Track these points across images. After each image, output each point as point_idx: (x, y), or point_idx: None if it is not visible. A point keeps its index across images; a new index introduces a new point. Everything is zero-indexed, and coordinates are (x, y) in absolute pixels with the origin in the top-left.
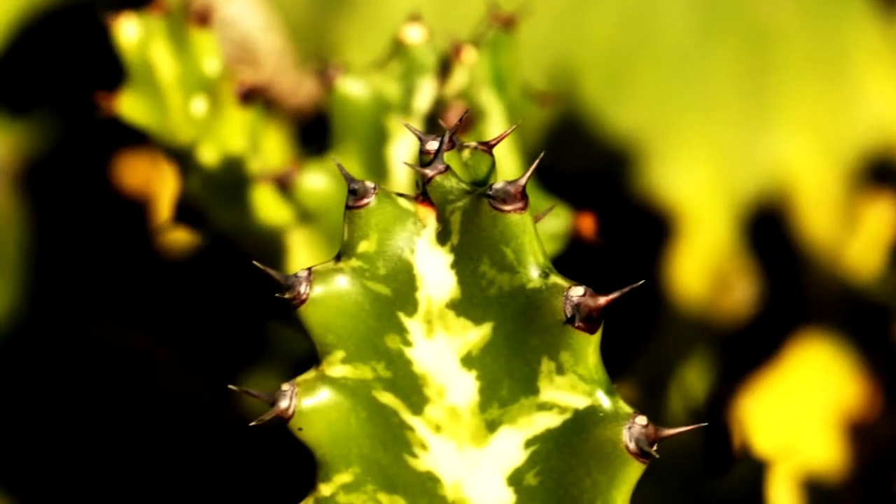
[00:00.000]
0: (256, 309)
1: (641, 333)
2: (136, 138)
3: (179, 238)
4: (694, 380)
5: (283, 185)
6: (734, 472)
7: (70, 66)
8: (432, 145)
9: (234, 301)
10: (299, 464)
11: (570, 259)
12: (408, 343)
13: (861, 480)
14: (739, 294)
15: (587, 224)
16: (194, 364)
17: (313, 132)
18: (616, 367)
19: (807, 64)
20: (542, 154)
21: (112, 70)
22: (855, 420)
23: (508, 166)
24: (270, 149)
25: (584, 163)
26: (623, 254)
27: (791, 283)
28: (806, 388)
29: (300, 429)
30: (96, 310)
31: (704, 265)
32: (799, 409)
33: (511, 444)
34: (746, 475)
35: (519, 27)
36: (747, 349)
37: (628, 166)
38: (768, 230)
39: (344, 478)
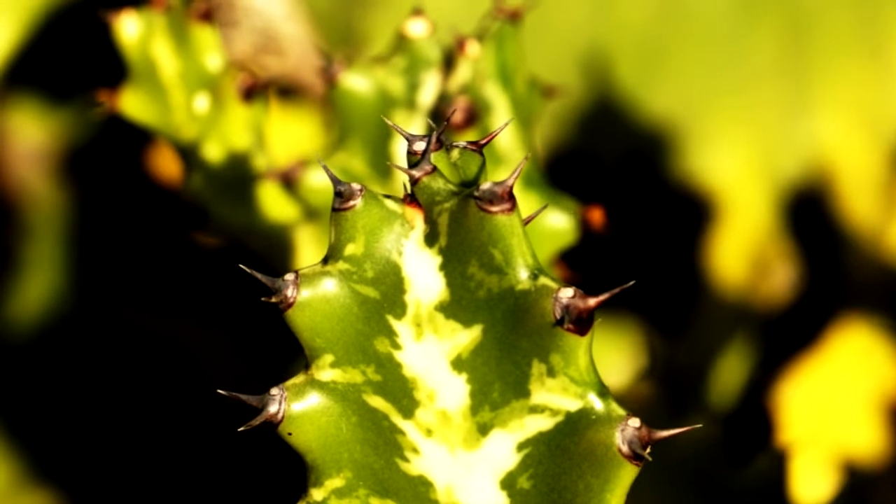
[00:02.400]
0: None
1: (681, 318)
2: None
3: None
4: (733, 365)
5: (289, 183)
6: (755, 465)
7: (111, 53)
8: (419, 146)
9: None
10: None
11: (608, 245)
12: (397, 346)
13: None
14: (779, 278)
15: (596, 217)
16: (236, 348)
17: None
18: (654, 352)
19: (847, 44)
20: (527, 155)
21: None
22: (895, 404)
23: (515, 162)
24: (301, 137)
25: (622, 148)
26: (662, 239)
27: (832, 266)
28: (847, 373)
29: (290, 434)
30: (137, 296)
31: (744, 249)
32: (839, 393)
33: (503, 448)
34: (767, 467)
35: (549, 10)
36: (788, 334)
37: (666, 150)
38: (808, 213)
39: (335, 482)
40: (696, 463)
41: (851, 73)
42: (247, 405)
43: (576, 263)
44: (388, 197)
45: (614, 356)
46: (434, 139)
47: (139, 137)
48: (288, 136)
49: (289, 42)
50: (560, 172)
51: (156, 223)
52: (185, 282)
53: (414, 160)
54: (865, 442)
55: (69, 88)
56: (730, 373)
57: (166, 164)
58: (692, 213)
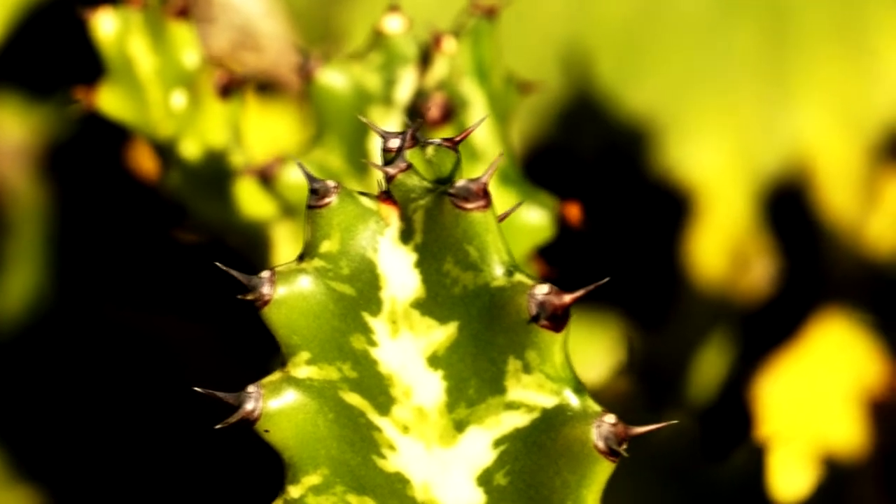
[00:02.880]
0: None
1: (660, 312)
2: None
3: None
4: (712, 359)
5: (266, 179)
6: (733, 460)
7: (90, 50)
8: (394, 143)
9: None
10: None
11: (587, 240)
12: (373, 343)
13: (880, 460)
14: (759, 272)
15: (573, 212)
16: (219, 344)
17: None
18: (633, 346)
19: (826, 39)
20: (500, 155)
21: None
22: (875, 399)
23: (492, 157)
24: (280, 133)
25: (601, 142)
26: (641, 233)
27: (811, 260)
28: (826, 367)
29: (266, 431)
30: (117, 292)
31: (723, 243)
32: (819, 387)
33: (480, 444)
34: (745, 461)
35: (528, 3)
36: (767, 328)
37: (646, 145)
38: (788, 207)
39: (312, 479)
40: (674, 458)
41: (831, 68)
42: (225, 402)
43: (554, 259)
44: (363, 194)
45: (592, 351)
46: (409, 136)
47: (119, 134)
48: (265, 132)
49: (266, 39)
50: (539, 167)
51: (136, 219)
52: (166, 278)
53: (389, 157)
54: (844, 436)
55: (49, 85)
56: (709, 367)
57: (146, 161)
58: (671, 207)
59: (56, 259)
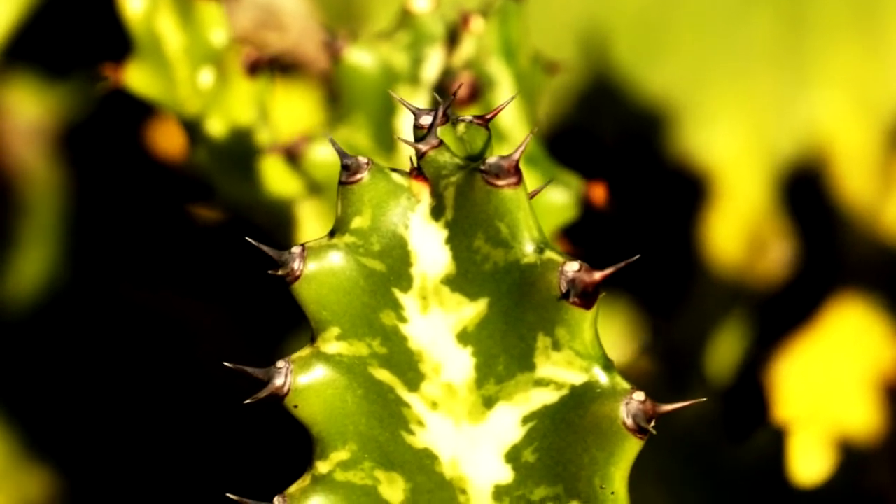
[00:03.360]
0: None
1: (677, 297)
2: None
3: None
4: (728, 343)
5: (292, 157)
6: (754, 440)
7: (107, 31)
8: (426, 119)
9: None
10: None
11: (604, 224)
12: (403, 319)
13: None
14: (775, 256)
15: (598, 193)
16: (235, 327)
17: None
18: (650, 331)
19: (844, 23)
20: (534, 129)
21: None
22: (891, 383)
23: (518, 137)
24: (300, 113)
25: (619, 126)
26: (657, 217)
27: (827, 244)
28: (842, 351)
29: (296, 406)
30: (134, 273)
31: (740, 227)
32: (835, 372)
33: (508, 421)
34: (766, 442)
35: None
36: (783, 312)
37: (663, 129)
38: (805, 192)
39: (341, 455)
40: (696, 438)
41: (848, 53)
42: (246, 381)
43: (575, 240)
44: (394, 170)
45: (610, 334)
46: (440, 113)
47: (136, 114)
48: (288, 112)
49: (289, 18)
50: (558, 150)
51: (154, 199)
52: (182, 258)
53: (420, 134)
54: (861, 420)
55: (66, 65)
56: (726, 351)
57: (165, 140)
58: (689, 191)
59: (72, 239)
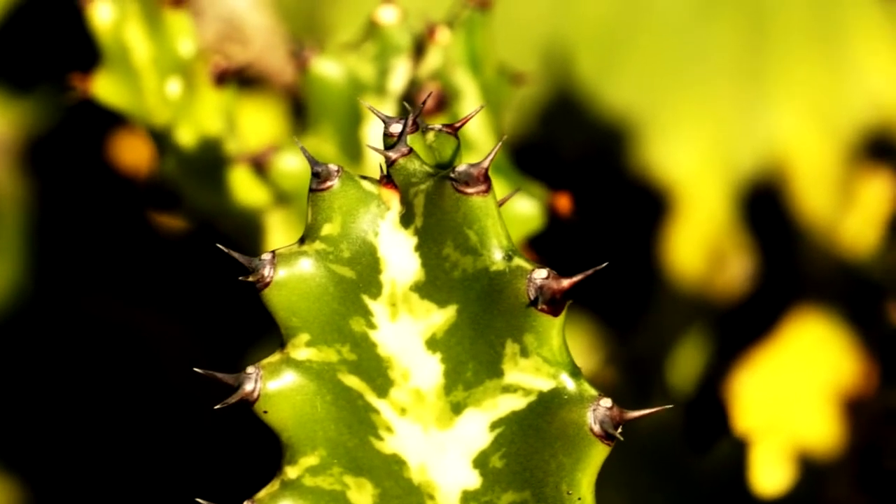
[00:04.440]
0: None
1: (637, 310)
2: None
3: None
4: (688, 356)
5: (259, 167)
6: (716, 451)
7: (71, 43)
8: (396, 128)
9: (234, 276)
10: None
11: (565, 237)
12: (372, 326)
13: (855, 457)
14: (735, 270)
15: (563, 203)
16: (196, 339)
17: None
18: (610, 343)
19: (804, 39)
20: (504, 137)
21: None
22: (850, 397)
23: (485, 147)
24: (262, 126)
25: (579, 140)
26: (618, 231)
27: (787, 259)
28: (801, 365)
29: (265, 412)
30: (96, 286)
31: (701, 242)
32: (794, 385)
33: (476, 427)
34: (728, 453)
35: (508, 3)
36: (743, 325)
37: (624, 143)
38: (765, 206)
39: (310, 460)
40: (659, 447)
41: (808, 69)
42: (209, 391)
43: (538, 251)
44: (364, 178)
45: (572, 345)
46: (410, 122)
47: (100, 127)
48: (250, 125)
49: (253, 31)
50: (518, 163)
51: (117, 212)
52: (145, 270)
53: (390, 142)
54: (820, 433)
55: (29, 78)
56: (687, 362)
57: (128, 153)
58: (650, 205)
59: (35, 252)
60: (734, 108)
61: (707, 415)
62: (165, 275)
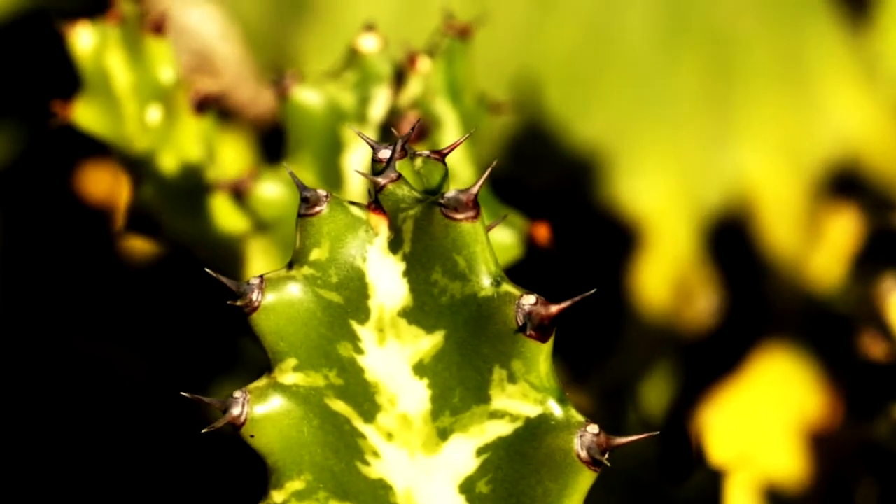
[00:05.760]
0: (222, 318)
1: (604, 343)
2: (100, 147)
3: (143, 246)
4: (656, 389)
5: (239, 194)
6: (691, 481)
7: (32, 74)
8: (384, 154)
9: (201, 309)
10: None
11: (532, 269)
12: (360, 351)
13: (822, 491)
14: (702, 304)
15: (542, 233)
16: (160, 373)
17: (273, 141)
18: (579, 375)
19: (770, 75)
20: (493, 163)
21: (75, 78)
22: (816, 431)
23: (463, 175)
24: (230, 158)
25: (548, 174)
26: (586, 264)
27: (754, 294)
28: (767, 399)
29: (252, 436)
30: (61, 319)
31: (667, 276)
32: (760, 419)
33: (463, 452)
34: (703, 484)
35: (477, 37)
36: (710, 359)
37: (591, 177)
38: (731, 241)
39: (296, 485)
40: (634, 477)
41: (774, 104)
42: (168, 425)
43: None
44: (353, 203)
45: None
46: (399, 147)
47: (67, 158)
48: (219, 156)
49: (223, 63)
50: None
51: (83, 245)
52: (111, 305)
53: (379, 168)
54: (787, 467)
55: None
56: (653, 397)
57: (95, 184)
58: (617, 239)
59: (0, 284)
60: (701, 142)
61: (679, 446)
62: (132, 308)
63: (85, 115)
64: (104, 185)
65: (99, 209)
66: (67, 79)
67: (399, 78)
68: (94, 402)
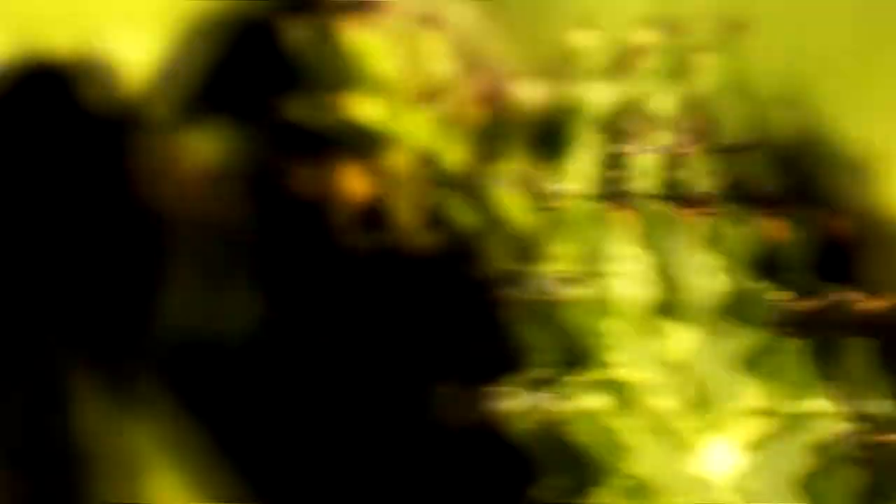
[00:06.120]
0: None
1: None
2: (317, 146)
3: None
4: None
5: (530, 188)
6: None
7: (246, 72)
8: (683, 149)
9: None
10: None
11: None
12: (674, 345)
13: None
14: None
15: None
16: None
17: (545, 137)
18: None
19: None
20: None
21: (278, 76)
22: None
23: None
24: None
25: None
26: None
27: None
28: None
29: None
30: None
31: None
32: None
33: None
34: None
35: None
36: None
37: (860, 178)
38: None
39: (616, 481)
40: None
41: None
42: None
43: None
44: (667, 200)
45: None
46: (691, 143)
47: (282, 155)
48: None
49: (490, 58)
50: None
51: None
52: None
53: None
54: None
55: (234, 104)
56: None
57: (351, 182)
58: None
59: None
60: None
61: None
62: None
63: (363, 109)
64: (318, 181)
65: (313, 203)
66: (279, 76)
67: (675, 74)
68: (370, 400)
